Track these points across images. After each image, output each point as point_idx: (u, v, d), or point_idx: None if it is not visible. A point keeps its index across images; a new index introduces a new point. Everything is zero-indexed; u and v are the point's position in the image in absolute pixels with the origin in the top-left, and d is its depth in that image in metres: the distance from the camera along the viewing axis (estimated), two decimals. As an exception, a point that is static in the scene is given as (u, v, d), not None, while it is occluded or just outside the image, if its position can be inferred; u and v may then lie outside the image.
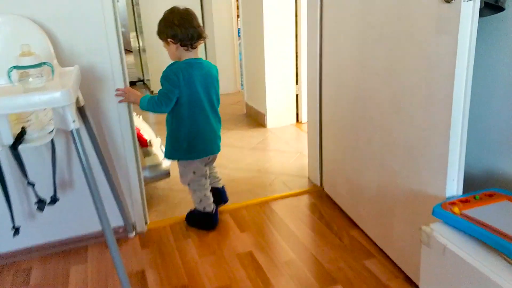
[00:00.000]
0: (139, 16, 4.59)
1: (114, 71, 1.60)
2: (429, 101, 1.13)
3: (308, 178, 2.21)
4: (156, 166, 2.02)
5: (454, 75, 1.00)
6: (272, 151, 2.66)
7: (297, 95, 3.20)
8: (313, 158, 2.13)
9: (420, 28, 1.13)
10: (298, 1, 2.97)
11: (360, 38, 1.48)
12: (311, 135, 2.11)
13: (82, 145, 1.18)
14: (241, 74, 4.48)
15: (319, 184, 2.10)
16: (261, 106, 3.24)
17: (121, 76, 1.62)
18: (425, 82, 1.13)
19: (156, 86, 4.58)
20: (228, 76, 4.41)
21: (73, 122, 1.14)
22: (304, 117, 3.22)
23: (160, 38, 1.65)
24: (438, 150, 1.12)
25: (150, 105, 1.61)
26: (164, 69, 1.65)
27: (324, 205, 1.93)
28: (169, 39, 1.64)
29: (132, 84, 5.29)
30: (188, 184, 1.78)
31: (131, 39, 5.57)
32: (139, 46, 5.05)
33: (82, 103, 1.43)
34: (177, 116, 1.67)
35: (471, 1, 0.93)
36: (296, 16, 3.01)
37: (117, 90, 1.61)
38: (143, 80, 5.30)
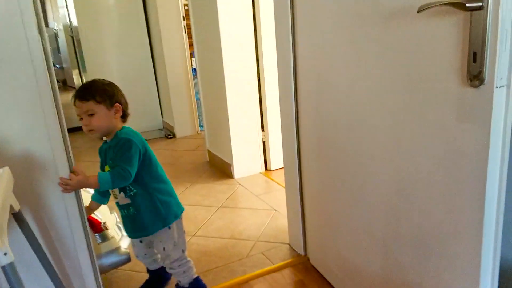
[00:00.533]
0: (81, 53, 4.26)
1: (56, 156, 1.31)
2: (448, 192, 0.96)
3: (289, 245, 1.99)
4: (114, 251, 1.71)
5: (487, 171, 0.83)
6: (243, 210, 2.42)
7: (263, 142, 3.01)
8: (294, 222, 1.92)
9: (436, 110, 0.96)
10: (258, 39, 2.81)
11: (355, 93, 1.31)
12: (290, 194, 1.90)
13: (19, 283, 0.88)
14: (199, 115, 4.24)
15: (303, 253, 1.88)
16: (226, 155, 3.01)
17: (65, 161, 1.33)
18: (443, 170, 0.96)
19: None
20: (185, 118, 4.16)
21: (4, 255, 0.84)
22: (273, 164, 3.03)
23: (103, 102, 1.39)
24: (466, 251, 0.95)
25: (118, 180, 1.35)
26: None
27: (312, 281, 1.71)
28: (116, 104, 1.42)
29: (78, 129, 4.87)
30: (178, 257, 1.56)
31: (74, 76, 5.19)
32: (82, 83, 4.67)
33: (17, 208, 1.12)
34: (151, 177, 1.46)
35: (504, 87, 0.77)
36: (257, 55, 2.84)
37: (61, 179, 1.32)
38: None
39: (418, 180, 1.07)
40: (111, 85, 1.44)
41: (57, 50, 9.50)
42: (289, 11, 1.56)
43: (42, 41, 1.25)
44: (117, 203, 1.49)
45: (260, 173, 3.00)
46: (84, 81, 4.45)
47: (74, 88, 6.49)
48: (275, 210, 2.38)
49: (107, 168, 1.43)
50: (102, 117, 1.38)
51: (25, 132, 1.26)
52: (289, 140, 1.79)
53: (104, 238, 1.70)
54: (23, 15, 1.20)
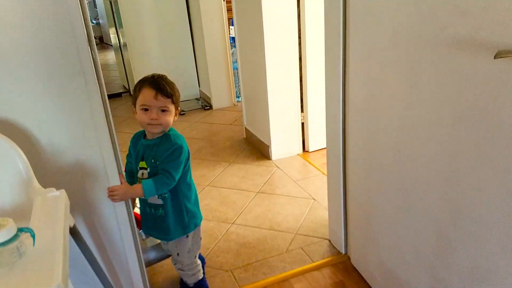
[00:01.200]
0: (117, 10, 4.20)
1: (107, 165, 1.34)
2: (508, 234, 0.91)
3: (329, 241, 1.99)
4: (158, 245, 1.77)
5: None
6: (282, 197, 2.43)
7: (302, 123, 2.95)
8: (335, 218, 1.91)
9: (501, 154, 0.89)
10: (301, 14, 2.68)
11: (408, 117, 1.24)
12: (332, 184, 1.87)
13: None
14: (236, 85, 4.20)
15: (343, 252, 1.89)
16: (264, 136, 2.99)
17: (115, 169, 1.35)
18: (502, 211, 0.91)
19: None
20: (222, 88, 4.13)
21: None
22: (311, 145, 2.99)
23: (176, 103, 1.42)
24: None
25: (162, 187, 1.38)
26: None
27: (354, 283, 1.73)
28: (179, 108, 1.46)
29: (117, 96, 4.95)
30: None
31: (111, 35, 5.19)
32: (119, 42, 4.66)
33: (72, 223, 1.16)
34: (185, 183, 1.47)
35: None
36: (299, 31, 2.72)
37: (109, 190, 1.35)
38: (129, 91, 4.96)
39: (474, 217, 1.02)
40: (173, 83, 1.43)
41: (93, 4, 9.46)
42: (341, 5, 1.46)
43: (92, 53, 1.23)
44: (144, 200, 1.48)
45: (298, 154, 2.97)
46: (121, 40, 4.44)
47: (111, 45, 6.52)
48: (314, 199, 2.37)
49: (142, 163, 1.44)
50: (171, 116, 1.39)
51: (77, 142, 1.28)
52: (334, 132, 1.74)
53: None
54: (74, 29, 1.18)
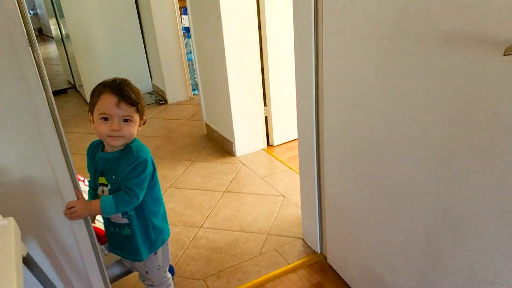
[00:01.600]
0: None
1: (60, 180, 1.18)
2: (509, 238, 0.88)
3: (303, 240, 1.94)
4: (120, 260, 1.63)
5: None
6: (250, 195, 2.34)
7: (266, 117, 2.87)
8: (309, 215, 1.86)
9: (504, 155, 0.85)
10: (260, 4, 2.57)
11: (392, 115, 1.18)
12: (305, 181, 1.81)
13: None
14: (191, 77, 4.03)
15: (318, 251, 1.84)
16: (226, 132, 2.87)
17: (70, 184, 1.20)
18: (504, 217, 0.88)
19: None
20: (176, 81, 3.95)
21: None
22: (275, 140, 2.92)
23: (141, 112, 1.26)
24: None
25: (124, 205, 1.23)
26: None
27: (331, 283, 1.68)
28: (144, 117, 1.30)
29: (62, 92, 4.60)
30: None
31: (52, 27, 4.80)
32: (61, 34, 4.30)
33: (25, 252, 1.00)
34: (151, 198, 1.33)
35: None
36: (259, 25, 2.62)
37: (66, 207, 1.20)
38: (74, 86, 4.62)
39: (468, 218, 0.99)
40: (137, 88, 1.27)
41: (30, -7, 8.71)
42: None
43: (34, 53, 1.06)
44: (108, 218, 1.34)
45: (263, 149, 2.89)
46: (63, 31, 4.10)
47: (52, 37, 6.05)
48: (283, 196, 2.31)
49: (101, 179, 1.29)
50: (135, 126, 1.23)
51: (23, 158, 1.12)
52: (306, 128, 1.67)
53: (111, 246, 1.61)
54: (9, 24, 1.00)
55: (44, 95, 1.10)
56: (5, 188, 1.11)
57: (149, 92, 4.22)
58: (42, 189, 1.16)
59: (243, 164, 2.72)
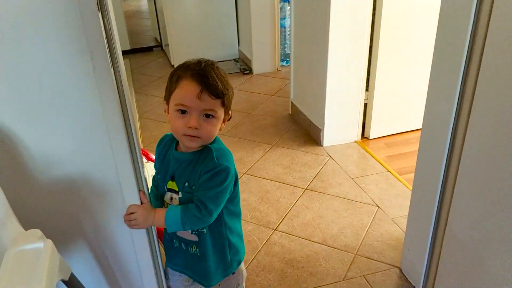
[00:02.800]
0: None
1: (123, 179, 0.98)
2: None
3: (400, 270, 1.61)
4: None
5: None
6: (336, 199, 2.04)
7: (365, 104, 2.50)
8: (415, 240, 1.51)
9: None
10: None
11: None
12: (420, 200, 1.45)
13: None
14: (281, 47, 3.72)
15: (419, 289, 1.51)
16: (315, 116, 2.55)
17: (134, 185, 0.99)
18: None
19: (178, 55, 3.85)
20: (265, 50, 3.66)
21: None
22: (372, 132, 2.54)
23: (228, 106, 1.00)
24: None
25: (192, 223, 0.99)
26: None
27: (433, 338, 1.36)
28: (230, 112, 1.03)
29: (148, 50, 4.56)
30: None
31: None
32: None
33: (67, 275, 0.82)
34: (230, 213, 1.09)
35: None
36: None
37: (126, 212, 1.00)
38: (161, 45, 4.55)
39: None
40: (225, 76, 1.00)
41: None
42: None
43: (104, 21, 0.83)
44: (173, 233, 1.10)
45: (355, 141, 2.54)
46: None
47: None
48: (378, 206, 1.97)
49: (171, 184, 1.05)
50: (217, 124, 0.99)
51: (80, 150, 0.92)
52: (436, 129, 1.31)
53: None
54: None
55: (112, 74, 0.88)
56: (54, 183, 0.93)
57: (234, 59, 3.99)
58: (100, 189, 0.97)
59: (330, 157, 2.40)
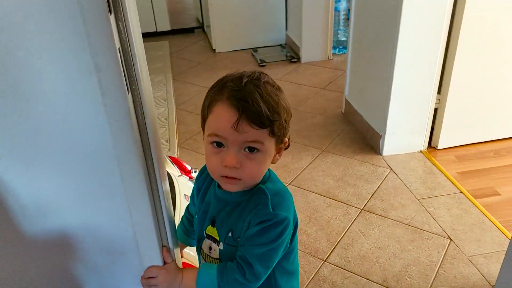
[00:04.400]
0: None
1: (139, 232, 0.75)
2: None
3: (482, 332, 1.32)
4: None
5: None
6: (399, 225, 1.74)
7: (436, 109, 2.15)
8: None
9: None
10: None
11: None
12: None
13: None
14: (335, 33, 3.38)
15: None
16: (375, 120, 2.24)
17: (154, 240, 0.76)
18: None
19: (220, 39, 3.60)
20: (316, 36, 3.34)
21: None
22: (441, 141, 2.20)
23: (279, 135, 0.74)
24: None
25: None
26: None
27: None
28: (285, 139, 0.79)
29: (188, 31, 4.33)
30: None
31: None
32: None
33: None
34: (285, 271, 0.85)
35: None
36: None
37: (144, 276, 0.77)
38: (202, 26, 4.31)
39: None
40: (285, 101, 0.75)
41: None
42: None
43: (117, 19, 0.59)
44: None
45: (421, 151, 2.21)
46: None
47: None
48: (450, 238, 1.66)
49: (211, 230, 0.82)
50: (265, 161, 0.75)
51: (81, 193, 0.69)
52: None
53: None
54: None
55: (129, 100, 0.64)
56: (54, 235, 0.71)
57: (280, 45, 3.69)
58: (110, 241, 0.75)
59: (391, 169, 2.09)
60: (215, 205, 0.82)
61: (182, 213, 1.23)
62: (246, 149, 0.71)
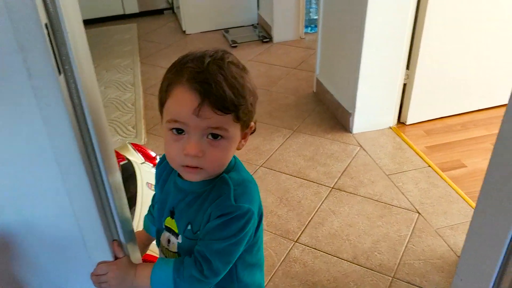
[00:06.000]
0: None
1: (85, 227, 0.70)
2: None
3: (448, 303, 1.33)
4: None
5: None
6: (369, 202, 1.74)
7: (404, 85, 2.14)
8: (474, 271, 1.22)
9: None
10: None
11: None
12: (485, 220, 1.15)
13: None
14: (306, 11, 3.32)
15: (473, 332, 1.23)
16: (345, 98, 2.22)
17: (103, 238, 0.72)
18: None
19: (191, 19, 3.50)
20: (288, 15, 3.27)
21: None
22: (410, 117, 2.20)
23: (245, 120, 0.69)
24: None
25: (189, 285, 0.71)
26: None
27: None
28: (251, 123, 0.73)
29: (157, 13, 4.19)
30: None
31: None
32: None
33: None
34: (247, 264, 0.80)
35: None
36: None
37: (93, 273, 0.73)
38: (172, 8, 4.17)
39: None
40: (250, 80, 0.70)
41: None
42: None
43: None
44: None
45: (390, 128, 2.20)
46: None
47: None
48: (418, 212, 1.67)
49: (170, 222, 0.78)
50: (230, 148, 0.70)
51: (20, 190, 0.64)
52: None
53: None
54: None
55: (61, 81, 0.58)
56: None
57: (252, 25, 3.60)
58: (52, 238, 0.70)
59: (361, 147, 2.08)
60: (174, 195, 0.77)
61: (145, 202, 1.20)
62: (210, 136, 0.66)
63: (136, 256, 0.80)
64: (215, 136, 0.67)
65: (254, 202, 0.72)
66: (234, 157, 0.76)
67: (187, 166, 0.68)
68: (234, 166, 0.75)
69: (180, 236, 0.76)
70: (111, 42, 3.48)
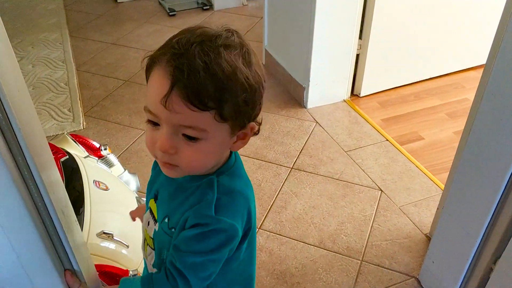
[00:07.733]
0: None
1: (27, 267, 0.57)
2: None
3: (418, 282, 1.34)
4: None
5: None
6: (330, 181, 1.71)
7: (357, 55, 2.10)
8: (446, 254, 1.23)
9: None
10: None
11: None
12: (457, 201, 1.16)
13: None
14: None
15: (444, 308, 1.25)
16: (298, 71, 2.14)
17: (53, 272, 0.59)
18: None
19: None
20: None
21: None
22: (364, 88, 2.19)
23: (233, 121, 0.58)
24: None
25: None
26: None
27: None
28: (251, 124, 0.62)
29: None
30: None
31: None
32: None
33: None
34: (228, 281, 0.71)
35: None
36: None
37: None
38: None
39: None
40: (259, 67, 0.59)
41: None
42: None
43: None
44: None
45: (344, 100, 2.18)
46: None
47: None
48: (381, 189, 1.67)
49: (152, 204, 0.70)
50: (214, 149, 0.59)
51: None
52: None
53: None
54: None
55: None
56: None
57: (190, -9, 3.38)
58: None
59: (317, 122, 2.04)
60: (163, 178, 0.68)
61: (94, 200, 1.05)
62: (183, 136, 0.56)
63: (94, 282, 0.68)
64: (189, 138, 0.56)
65: (238, 217, 0.62)
66: (235, 154, 0.66)
67: (162, 163, 0.60)
68: (231, 167, 0.64)
69: (157, 224, 0.68)
70: (34, 14, 3.10)
